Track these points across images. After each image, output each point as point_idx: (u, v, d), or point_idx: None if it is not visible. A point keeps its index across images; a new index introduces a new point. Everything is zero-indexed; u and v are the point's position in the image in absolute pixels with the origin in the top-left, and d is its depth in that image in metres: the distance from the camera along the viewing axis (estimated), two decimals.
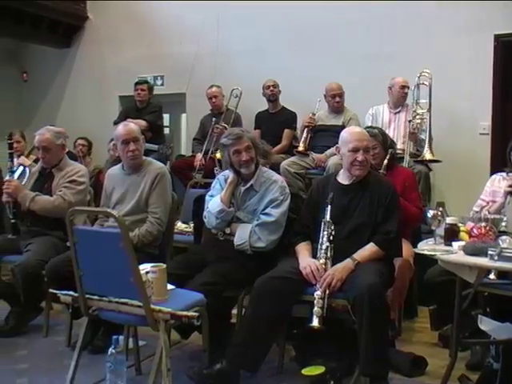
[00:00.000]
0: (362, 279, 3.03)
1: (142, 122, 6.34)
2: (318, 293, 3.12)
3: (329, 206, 3.32)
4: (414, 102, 5.39)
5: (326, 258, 3.24)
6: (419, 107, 5.34)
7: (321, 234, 3.30)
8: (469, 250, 2.76)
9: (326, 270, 3.19)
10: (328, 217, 3.30)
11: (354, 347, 3.07)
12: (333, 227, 3.29)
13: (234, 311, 3.63)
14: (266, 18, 6.84)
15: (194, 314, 2.72)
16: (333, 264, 3.23)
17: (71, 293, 3.00)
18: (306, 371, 3.28)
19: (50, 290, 3.24)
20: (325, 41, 6.53)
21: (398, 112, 5.57)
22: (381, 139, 4.05)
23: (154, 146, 6.35)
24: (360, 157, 3.34)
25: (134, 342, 3.45)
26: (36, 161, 5.48)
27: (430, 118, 5.26)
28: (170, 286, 3.01)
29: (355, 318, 3.03)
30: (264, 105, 6.49)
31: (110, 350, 2.92)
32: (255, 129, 6.31)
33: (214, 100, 6.56)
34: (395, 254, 3.43)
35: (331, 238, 3.28)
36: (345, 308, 3.12)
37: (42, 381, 3.38)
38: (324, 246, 3.27)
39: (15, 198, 4.21)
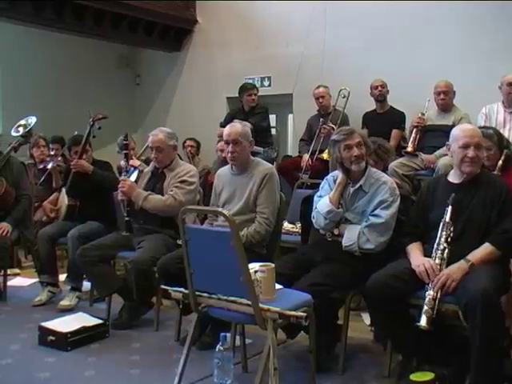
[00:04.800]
0: (475, 284, 2.89)
1: (248, 125, 6.35)
2: (430, 292, 3.00)
3: (449, 207, 3.17)
4: None
5: (441, 259, 3.12)
6: None
7: (439, 235, 3.17)
8: None
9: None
10: (448, 217, 3.17)
11: (464, 354, 2.95)
12: (452, 228, 3.16)
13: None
14: (373, 17, 6.76)
15: (302, 314, 2.71)
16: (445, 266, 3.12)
17: (182, 289, 3.06)
18: (414, 376, 3.19)
19: (162, 286, 3.31)
20: (434, 39, 6.37)
21: None
22: (496, 140, 3.88)
23: (259, 149, 6.33)
24: (470, 153, 3.20)
25: (241, 340, 3.49)
26: (146, 161, 5.67)
27: None
28: (277, 286, 3.02)
29: (466, 325, 2.91)
30: (371, 105, 6.41)
31: (218, 346, 2.98)
32: (362, 129, 6.23)
33: (321, 100, 6.55)
34: None
35: (449, 239, 3.15)
36: (455, 313, 3.01)
37: (152, 373, 3.49)
38: (441, 247, 3.14)
39: (129, 197, 4.37)
